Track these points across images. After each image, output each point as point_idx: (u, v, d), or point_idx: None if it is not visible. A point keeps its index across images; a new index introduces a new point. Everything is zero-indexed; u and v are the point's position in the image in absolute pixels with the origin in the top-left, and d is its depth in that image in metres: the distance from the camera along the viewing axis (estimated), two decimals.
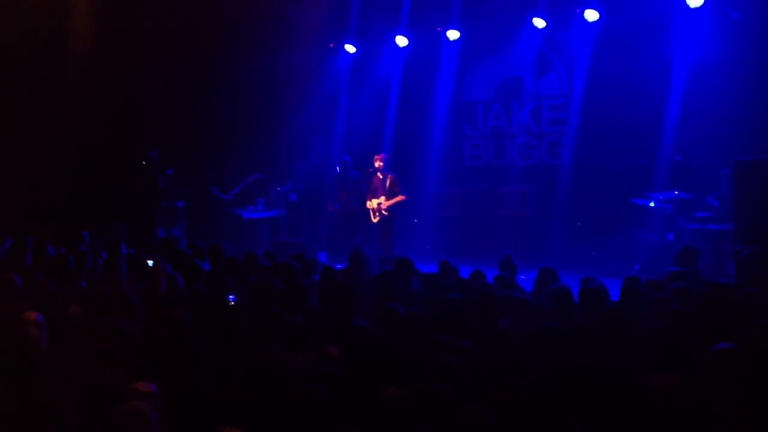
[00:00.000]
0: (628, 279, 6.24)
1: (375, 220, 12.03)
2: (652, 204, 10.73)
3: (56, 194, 13.21)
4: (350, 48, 14.62)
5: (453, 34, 13.60)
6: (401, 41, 14.03)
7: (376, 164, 12.01)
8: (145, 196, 12.43)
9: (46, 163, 13.45)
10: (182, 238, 12.09)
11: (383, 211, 11.89)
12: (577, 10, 12.35)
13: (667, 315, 4.78)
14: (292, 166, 14.93)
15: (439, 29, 13.83)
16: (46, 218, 12.22)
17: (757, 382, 3.63)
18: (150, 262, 7.32)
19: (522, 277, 7.75)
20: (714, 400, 3.64)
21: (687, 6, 11.07)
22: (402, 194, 11.94)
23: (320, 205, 14.10)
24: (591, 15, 12.08)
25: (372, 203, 11.98)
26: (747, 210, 8.87)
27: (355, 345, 4.60)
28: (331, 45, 14.95)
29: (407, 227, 13.28)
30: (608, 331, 4.75)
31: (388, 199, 11.89)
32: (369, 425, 3.44)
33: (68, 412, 3.55)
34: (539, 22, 12.74)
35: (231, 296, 6.11)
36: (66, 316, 5.67)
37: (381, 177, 11.98)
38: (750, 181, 8.88)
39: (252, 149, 14.44)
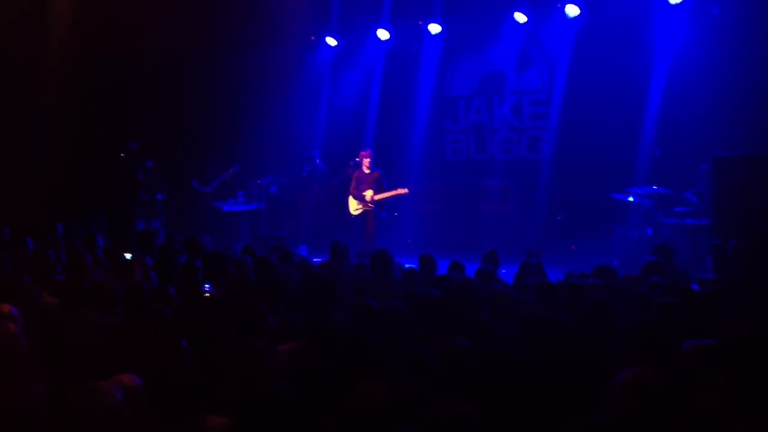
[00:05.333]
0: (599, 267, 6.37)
1: (355, 213, 11.94)
2: (630, 199, 10.80)
3: (35, 187, 13.06)
4: (331, 41, 14.55)
5: (435, 28, 13.58)
6: (383, 35, 13.98)
7: (365, 161, 11.89)
8: (124, 189, 12.34)
9: (24, 155, 13.28)
10: (161, 230, 12.01)
11: (369, 203, 11.80)
12: (559, 6, 12.39)
13: (644, 310, 4.81)
14: (272, 159, 14.84)
15: (420, 23, 13.80)
16: (25, 211, 12.06)
17: (740, 378, 3.64)
18: (128, 256, 7.28)
19: (503, 270, 7.77)
20: (690, 396, 3.64)
21: (667, 2, 11.13)
22: (402, 188, 11.88)
23: (301, 198, 14.05)
24: (572, 10, 12.12)
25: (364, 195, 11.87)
26: (724, 205, 8.95)
27: (334, 339, 4.58)
28: (313, 38, 14.86)
29: (388, 221, 13.25)
30: (591, 325, 4.76)
31: (376, 193, 11.78)
32: (346, 420, 3.42)
33: (43, 405, 3.51)
34: (521, 17, 12.75)
35: (206, 285, 6.08)
36: (42, 308, 5.61)
37: (368, 172, 11.89)
38: (728, 177, 8.97)
39: (232, 142, 14.34)
